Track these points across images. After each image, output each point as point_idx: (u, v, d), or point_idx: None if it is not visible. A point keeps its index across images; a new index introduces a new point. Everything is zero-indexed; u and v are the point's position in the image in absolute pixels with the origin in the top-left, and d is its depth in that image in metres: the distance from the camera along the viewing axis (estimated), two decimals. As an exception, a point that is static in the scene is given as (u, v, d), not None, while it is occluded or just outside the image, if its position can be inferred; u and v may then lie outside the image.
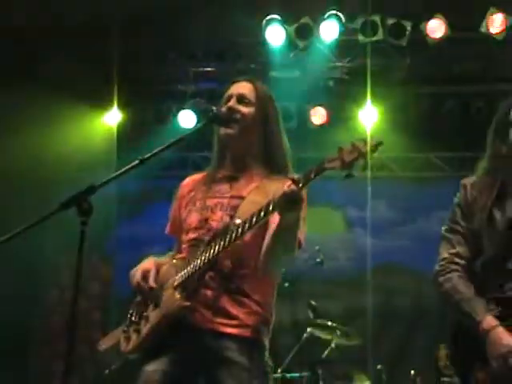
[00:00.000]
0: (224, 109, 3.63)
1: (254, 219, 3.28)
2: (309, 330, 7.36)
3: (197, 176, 3.84)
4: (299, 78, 9.22)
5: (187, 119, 9.33)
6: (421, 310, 9.55)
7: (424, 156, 10.12)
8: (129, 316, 3.71)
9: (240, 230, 3.32)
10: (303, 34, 8.56)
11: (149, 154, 3.21)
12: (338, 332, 7.35)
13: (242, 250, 3.46)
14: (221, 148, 3.73)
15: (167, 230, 3.88)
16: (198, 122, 9.19)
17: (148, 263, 3.69)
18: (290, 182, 3.23)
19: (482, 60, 8.96)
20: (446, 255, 3.60)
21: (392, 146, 9.39)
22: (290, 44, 8.73)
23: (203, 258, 3.43)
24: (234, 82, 3.78)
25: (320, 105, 9.48)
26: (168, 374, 3.46)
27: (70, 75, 8.65)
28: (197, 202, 3.65)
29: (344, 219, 10.13)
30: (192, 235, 3.61)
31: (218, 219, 3.55)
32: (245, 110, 3.64)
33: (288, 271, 8.76)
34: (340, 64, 9.19)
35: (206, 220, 3.57)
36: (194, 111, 9.26)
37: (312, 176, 3.20)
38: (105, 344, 3.79)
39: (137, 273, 3.63)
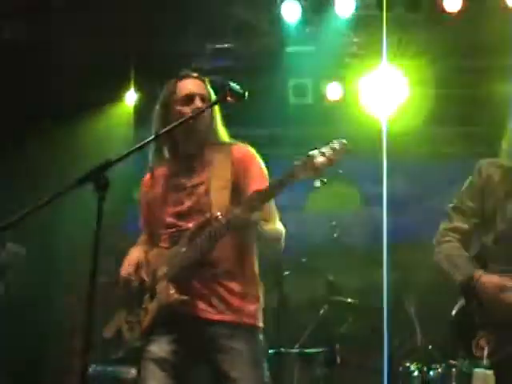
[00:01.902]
0: (190, 109, 3.83)
1: (227, 225, 3.53)
2: (326, 305, 7.38)
3: (147, 176, 4.08)
4: (315, 53, 9.16)
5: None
6: (439, 285, 9.52)
7: (443, 131, 10.05)
8: (127, 303, 3.95)
9: (223, 229, 3.54)
10: (319, 9, 8.51)
11: (164, 129, 3.22)
12: (356, 307, 7.37)
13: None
14: (174, 142, 3.92)
15: (140, 224, 4.19)
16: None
17: (136, 253, 3.98)
18: (253, 192, 3.53)
19: (500, 32, 8.85)
20: (440, 229, 3.74)
21: (410, 121, 9.35)
22: (306, 19, 8.68)
23: (193, 250, 3.64)
24: (184, 77, 4.01)
25: (336, 80, 9.44)
26: (170, 352, 3.73)
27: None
28: (167, 198, 3.90)
29: (360, 195, 10.11)
30: (171, 229, 3.84)
31: (188, 209, 3.80)
32: (201, 105, 3.87)
33: (305, 246, 8.84)
34: (356, 39, 9.13)
35: (180, 212, 3.82)
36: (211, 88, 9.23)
37: (279, 188, 3.46)
38: (108, 332, 4.00)
39: (126, 264, 3.94)
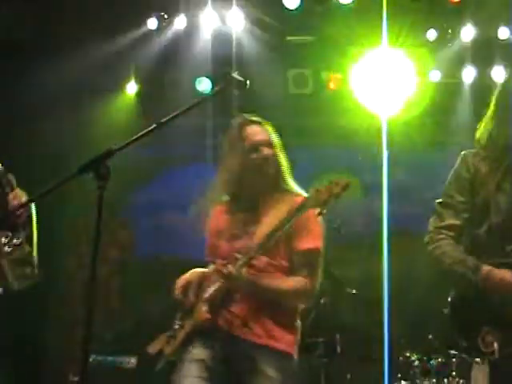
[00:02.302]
0: (260, 159, 4.16)
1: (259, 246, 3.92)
2: (326, 295, 7.38)
3: (217, 208, 4.34)
4: (315, 42, 9.15)
5: (204, 85, 9.31)
6: (440, 275, 9.52)
7: (442, 120, 10.02)
8: (174, 322, 4.19)
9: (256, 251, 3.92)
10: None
11: (165, 119, 3.22)
12: (356, 298, 7.37)
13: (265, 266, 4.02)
14: (239, 180, 4.21)
15: (205, 255, 4.37)
16: (213, 88, 9.15)
17: (192, 276, 4.25)
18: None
19: None
20: (432, 228, 3.73)
21: (411, 110, 9.33)
22: (306, 8, 8.65)
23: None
24: (248, 124, 4.33)
25: (335, 70, 9.41)
26: (208, 355, 3.96)
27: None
28: (225, 233, 4.16)
29: (361, 185, 10.09)
30: (223, 260, 4.05)
31: (243, 244, 4.03)
32: (271, 151, 4.19)
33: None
34: (357, 28, 9.10)
35: (234, 248, 4.05)
36: (209, 77, 9.21)
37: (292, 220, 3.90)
38: (152, 348, 4.21)
39: (179, 284, 4.23)
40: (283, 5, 8.53)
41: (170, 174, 9.72)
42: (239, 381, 3.93)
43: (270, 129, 4.31)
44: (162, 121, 3.17)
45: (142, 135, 3.07)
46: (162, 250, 9.47)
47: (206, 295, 4.01)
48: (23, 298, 8.64)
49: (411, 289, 9.66)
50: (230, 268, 3.87)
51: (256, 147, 4.17)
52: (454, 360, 7.01)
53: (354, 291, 7.43)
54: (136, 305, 9.26)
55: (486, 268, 3.54)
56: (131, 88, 9.71)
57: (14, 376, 8.60)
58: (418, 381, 7.06)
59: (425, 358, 7.11)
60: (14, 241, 4.41)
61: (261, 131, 4.26)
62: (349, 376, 7.29)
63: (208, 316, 3.92)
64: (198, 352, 3.96)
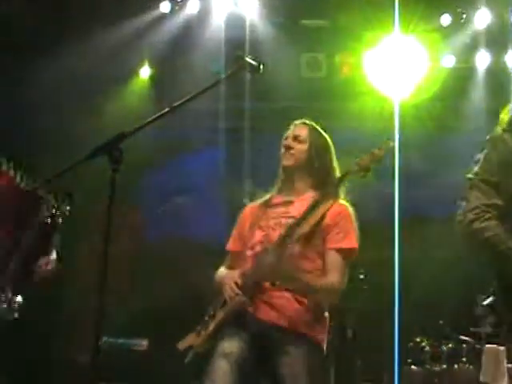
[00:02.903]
0: (283, 148, 4.36)
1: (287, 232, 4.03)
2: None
3: (254, 204, 4.45)
4: (329, 27, 9.12)
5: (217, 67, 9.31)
6: (452, 261, 9.52)
7: (453, 104, 9.97)
8: (205, 316, 4.26)
9: (283, 243, 4.01)
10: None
11: (178, 102, 3.21)
12: (368, 283, 7.37)
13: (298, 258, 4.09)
14: (280, 177, 4.40)
15: (229, 246, 4.48)
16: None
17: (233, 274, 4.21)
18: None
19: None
20: (478, 204, 3.50)
21: (423, 95, 9.30)
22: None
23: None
24: (294, 125, 4.48)
25: (350, 54, 9.38)
26: (241, 350, 3.98)
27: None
28: (260, 223, 4.26)
29: (373, 169, 10.06)
30: (257, 248, 4.17)
31: (277, 234, 4.11)
32: (298, 146, 4.34)
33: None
34: (370, 14, 9.07)
35: (267, 236, 4.17)
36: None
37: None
38: (183, 344, 4.29)
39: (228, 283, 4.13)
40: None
41: (182, 157, 9.71)
42: (270, 366, 4.00)
43: (314, 129, 4.47)
44: (175, 104, 3.16)
45: (155, 119, 3.07)
46: (173, 234, 9.47)
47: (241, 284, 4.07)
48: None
49: (423, 274, 9.66)
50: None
51: (284, 139, 4.38)
52: (464, 346, 7.02)
53: (361, 276, 7.41)
54: (147, 288, 9.27)
55: None
56: (145, 72, 9.72)
57: (25, 360, 8.66)
58: (428, 366, 7.07)
59: (435, 343, 7.12)
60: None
61: (296, 128, 4.45)
62: (359, 362, 7.29)
63: (242, 298, 4.00)
64: (227, 345, 4.00)
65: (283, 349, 3.95)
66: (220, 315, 4.10)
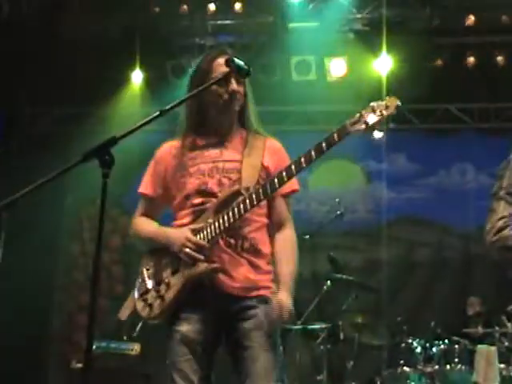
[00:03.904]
0: (227, 92, 3.78)
1: (263, 192, 3.58)
2: (328, 282, 7.38)
3: (175, 142, 3.93)
4: (318, 29, 9.13)
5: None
6: (442, 261, 9.56)
7: (444, 107, 10.02)
8: (140, 284, 3.83)
9: (260, 196, 3.59)
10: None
11: (168, 106, 3.22)
12: (358, 284, 7.38)
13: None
14: (204, 117, 3.88)
15: (146, 190, 3.95)
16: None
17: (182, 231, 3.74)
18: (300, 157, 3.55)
19: (504, 10, 8.83)
20: (506, 214, 3.60)
21: (412, 97, 9.33)
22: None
23: (221, 222, 3.63)
24: (219, 56, 3.84)
25: (339, 57, 9.40)
26: (202, 333, 3.66)
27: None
28: (190, 169, 3.80)
29: (363, 172, 10.11)
30: (196, 200, 3.75)
31: (216, 182, 3.74)
32: (240, 89, 3.82)
33: (308, 224, 8.84)
34: (359, 15, 9.11)
35: (205, 184, 3.75)
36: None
37: (336, 139, 3.44)
38: (124, 314, 3.89)
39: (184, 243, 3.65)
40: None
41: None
42: (230, 333, 3.68)
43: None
44: (165, 108, 3.17)
45: (146, 123, 3.07)
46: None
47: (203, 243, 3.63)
48: (26, 284, 8.75)
49: (414, 275, 9.69)
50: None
51: (225, 77, 3.74)
52: (456, 346, 7.03)
53: (351, 278, 7.41)
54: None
55: None
56: (137, 77, 9.77)
57: (18, 362, 8.65)
58: (420, 367, 7.07)
59: (427, 344, 7.13)
60: None
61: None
62: (352, 363, 7.30)
63: (208, 265, 3.60)
64: (186, 330, 3.65)
65: (244, 316, 3.63)
66: (177, 283, 3.67)
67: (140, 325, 3.77)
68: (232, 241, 3.68)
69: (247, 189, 3.66)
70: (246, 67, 3.60)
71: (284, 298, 3.66)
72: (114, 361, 7.62)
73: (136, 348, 7.55)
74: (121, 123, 8.90)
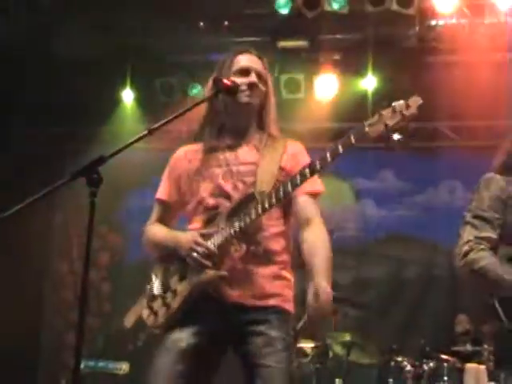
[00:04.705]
0: (245, 83, 3.68)
1: (282, 192, 3.39)
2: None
3: (191, 147, 3.84)
4: (307, 48, 9.17)
5: (197, 91, 9.38)
6: (431, 279, 9.56)
7: (433, 125, 10.05)
8: (148, 290, 3.72)
9: (272, 199, 3.40)
10: (311, 3, 8.48)
11: (156, 125, 3.23)
12: (347, 302, 7.37)
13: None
14: (220, 119, 3.77)
15: (162, 195, 3.86)
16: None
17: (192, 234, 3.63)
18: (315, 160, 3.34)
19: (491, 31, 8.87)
20: (471, 238, 3.72)
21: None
22: (298, 14, 8.66)
23: (232, 228, 3.47)
24: (242, 52, 3.83)
25: (329, 76, 9.43)
26: (192, 345, 3.49)
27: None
28: (204, 172, 3.68)
29: (352, 190, 10.12)
30: (209, 204, 3.63)
31: (230, 185, 3.61)
32: (263, 88, 3.74)
33: (298, 242, 8.85)
34: (349, 35, 9.14)
35: (220, 187, 3.63)
36: (201, 83, 9.25)
37: (352, 141, 3.23)
38: (129, 321, 3.80)
39: (193, 248, 3.54)
40: (275, 9, 8.56)
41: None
42: (239, 350, 3.52)
43: (263, 60, 3.84)
44: (153, 127, 3.17)
45: (134, 141, 3.07)
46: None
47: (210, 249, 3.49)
48: (14, 302, 8.71)
49: (403, 293, 9.69)
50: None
51: (243, 71, 3.72)
52: (445, 365, 7.03)
53: (341, 296, 7.40)
54: (128, 310, 9.24)
55: None
56: (127, 96, 9.79)
57: (7, 382, 8.60)
58: (409, 385, 7.06)
59: (416, 362, 7.11)
60: None
61: (254, 60, 3.79)
62: (341, 381, 7.27)
63: (215, 272, 3.46)
64: (178, 339, 3.50)
65: (253, 330, 3.45)
66: (184, 290, 3.54)
67: (145, 334, 3.61)
68: (243, 247, 3.52)
69: (262, 193, 3.48)
70: (234, 85, 3.60)
71: (321, 283, 3.37)
72: (102, 380, 7.58)
73: (124, 368, 7.52)
74: (113, 142, 8.91)
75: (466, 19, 8.64)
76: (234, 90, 3.64)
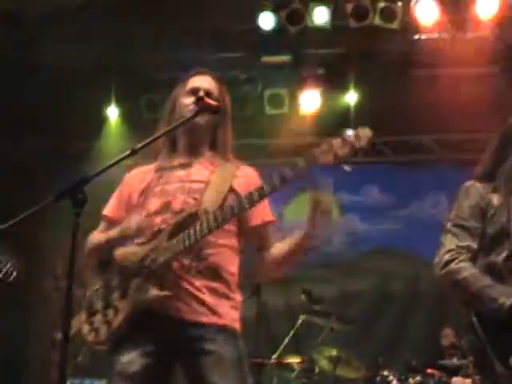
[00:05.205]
0: (192, 101, 3.71)
1: (229, 213, 3.37)
2: (303, 315, 7.38)
3: (146, 167, 3.82)
4: (291, 63, 9.20)
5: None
6: (417, 293, 9.59)
7: (417, 139, 10.09)
8: (87, 304, 3.60)
9: (218, 219, 3.37)
10: (294, 19, 8.51)
11: (140, 145, 3.23)
12: (333, 317, 7.36)
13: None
14: (174, 138, 3.77)
15: (108, 212, 3.81)
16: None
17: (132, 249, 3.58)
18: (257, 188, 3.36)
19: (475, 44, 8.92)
20: (453, 247, 3.73)
21: (384, 129, 9.38)
22: (282, 29, 8.69)
23: (174, 246, 3.41)
24: (196, 74, 3.88)
25: (311, 90, 9.46)
26: (144, 366, 3.42)
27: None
28: (154, 189, 3.65)
29: (336, 204, 10.14)
30: (155, 220, 3.56)
31: (180, 202, 3.56)
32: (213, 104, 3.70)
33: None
34: (331, 50, 9.17)
35: (168, 204, 3.57)
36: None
37: (304, 167, 3.31)
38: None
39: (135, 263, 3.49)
40: (258, 25, 8.59)
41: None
42: (187, 368, 3.44)
43: (216, 79, 3.88)
44: (137, 147, 3.18)
45: (117, 161, 3.07)
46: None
47: (149, 267, 3.43)
48: (4, 318, 8.67)
49: (389, 307, 9.71)
50: None
51: (194, 90, 3.75)
52: (431, 379, 7.03)
53: (326, 310, 7.41)
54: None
55: None
56: (112, 112, 9.79)
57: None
58: (396, 400, 7.07)
59: (402, 377, 7.11)
60: None
61: (206, 80, 3.84)
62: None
63: (159, 293, 3.37)
64: (129, 364, 3.42)
65: (201, 348, 3.39)
66: (126, 308, 3.44)
67: (84, 350, 3.44)
68: (187, 263, 3.44)
69: (206, 212, 3.43)
70: (214, 104, 3.64)
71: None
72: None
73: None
74: (100, 158, 8.90)
75: (449, 33, 8.68)
76: (217, 109, 3.66)
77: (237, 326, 3.55)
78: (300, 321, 7.37)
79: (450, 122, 9.37)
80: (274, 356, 7.19)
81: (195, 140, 3.74)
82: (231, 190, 3.59)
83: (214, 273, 3.51)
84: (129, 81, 9.35)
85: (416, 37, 8.91)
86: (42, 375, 9.82)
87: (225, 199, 3.53)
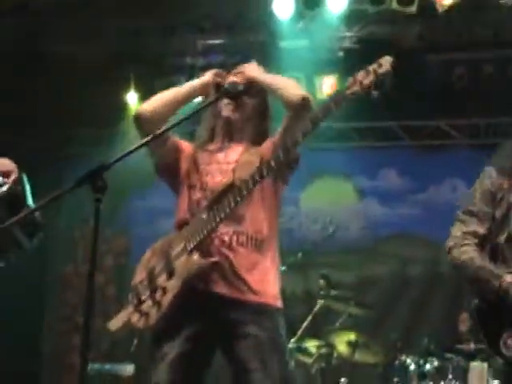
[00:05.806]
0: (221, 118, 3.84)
1: (258, 175, 3.46)
2: (322, 300, 7.38)
3: (192, 144, 3.94)
4: (308, 48, 9.17)
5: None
6: (435, 278, 9.57)
7: (435, 123, 10.05)
8: (132, 298, 3.67)
9: (249, 184, 3.47)
10: (311, 4, 8.50)
11: (160, 130, 3.25)
12: (351, 302, 7.37)
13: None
14: (216, 125, 3.89)
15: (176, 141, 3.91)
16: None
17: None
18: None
19: (492, 26, 8.87)
20: (458, 234, 3.84)
21: (403, 113, 9.38)
22: (299, 14, 8.68)
23: (213, 217, 3.51)
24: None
25: (329, 75, 9.43)
26: (181, 354, 3.51)
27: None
28: (199, 167, 3.78)
29: (354, 189, 10.12)
30: (196, 196, 3.71)
31: (218, 182, 3.66)
32: (249, 101, 3.84)
33: (301, 242, 8.85)
34: (349, 34, 9.14)
35: (207, 184, 3.70)
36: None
37: (333, 107, 3.43)
38: (114, 325, 3.70)
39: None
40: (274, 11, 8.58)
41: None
42: (227, 352, 3.54)
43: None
44: (157, 133, 3.19)
45: (138, 147, 3.09)
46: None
47: (190, 244, 3.53)
48: (20, 303, 8.72)
49: (407, 292, 9.70)
50: None
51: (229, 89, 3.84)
52: (450, 363, 7.03)
53: (345, 295, 7.42)
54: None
55: (509, 278, 3.64)
56: (131, 98, 9.80)
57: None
58: (414, 384, 7.07)
59: (421, 361, 7.11)
60: None
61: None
62: (346, 381, 7.27)
63: (206, 261, 3.49)
64: (171, 349, 3.52)
65: (241, 331, 3.47)
66: (174, 286, 3.50)
67: (136, 341, 3.48)
68: (226, 237, 3.57)
69: (241, 180, 3.55)
70: (235, 90, 3.68)
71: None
72: (108, 382, 7.60)
73: (129, 369, 7.54)
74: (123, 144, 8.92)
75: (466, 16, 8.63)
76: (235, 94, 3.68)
77: (278, 303, 3.62)
78: (318, 306, 7.37)
79: (468, 107, 9.35)
80: (293, 340, 7.20)
81: (229, 129, 3.85)
82: (261, 157, 3.63)
83: (255, 244, 3.61)
84: (145, 66, 9.36)
85: (433, 20, 8.86)
86: (59, 359, 9.91)
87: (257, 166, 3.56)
